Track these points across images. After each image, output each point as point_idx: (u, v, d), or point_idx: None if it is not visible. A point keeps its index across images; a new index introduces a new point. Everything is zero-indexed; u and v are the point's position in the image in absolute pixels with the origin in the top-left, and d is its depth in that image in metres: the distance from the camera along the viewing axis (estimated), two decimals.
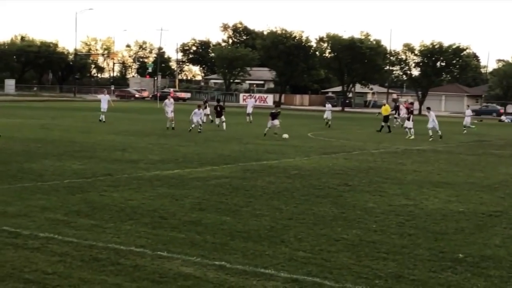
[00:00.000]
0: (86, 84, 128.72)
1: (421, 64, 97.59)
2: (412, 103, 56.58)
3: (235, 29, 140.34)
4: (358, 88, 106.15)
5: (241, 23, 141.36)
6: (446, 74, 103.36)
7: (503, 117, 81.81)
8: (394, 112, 50.00)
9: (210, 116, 44.10)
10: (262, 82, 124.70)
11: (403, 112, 48.34)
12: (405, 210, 14.07)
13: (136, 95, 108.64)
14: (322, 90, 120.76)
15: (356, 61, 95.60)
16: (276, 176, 18.78)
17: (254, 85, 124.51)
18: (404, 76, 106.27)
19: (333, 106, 58.43)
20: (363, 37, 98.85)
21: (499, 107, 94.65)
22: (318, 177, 19.01)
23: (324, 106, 54.94)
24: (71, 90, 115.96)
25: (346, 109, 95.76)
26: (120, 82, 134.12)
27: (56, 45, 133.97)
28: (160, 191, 15.42)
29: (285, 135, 32.90)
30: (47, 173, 17.86)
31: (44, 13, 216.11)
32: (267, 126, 34.98)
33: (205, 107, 42.97)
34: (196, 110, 36.59)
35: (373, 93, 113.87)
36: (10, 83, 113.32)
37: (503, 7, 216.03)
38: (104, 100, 42.90)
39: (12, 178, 16.73)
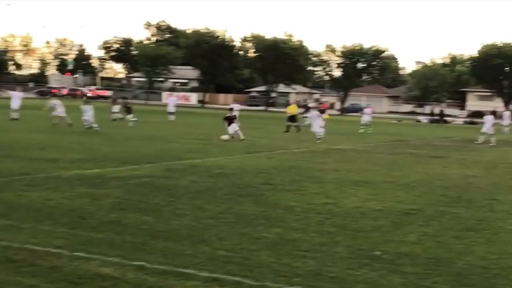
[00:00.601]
0: (4, 81, 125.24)
1: (342, 65, 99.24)
2: (321, 103, 57.30)
3: (159, 27, 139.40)
4: (282, 88, 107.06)
5: (164, 21, 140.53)
6: (366, 75, 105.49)
7: (421, 118, 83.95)
8: (303, 111, 51.13)
9: (120, 114, 43.68)
10: (186, 80, 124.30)
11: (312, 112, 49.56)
12: (325, 209, 14.27)
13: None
14: (246, 90, 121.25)
15: (280, 61, 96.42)
16: (199, 175, 18.74)
17: (178, 84, 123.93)
18: (326, 77, 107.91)
19: (256, 106, 58.68)
20: (286, 38, 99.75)
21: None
22: (241, 176, 19.07)
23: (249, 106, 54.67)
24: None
25: (270, 108, 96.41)
26: (40, 79, 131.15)
27: None
28: (79, 191, 15.16)
29: (224, 137, 31.80)
30: None
31: None
32: (228, 132, 32.66)
33: (116, 104, 42.75)
34: (83, 106, 35.40)
35: (296, 93, 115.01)
36: None
37: (422, 11, 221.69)
38: (16, 98, 41.72)
39: None
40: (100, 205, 13.55)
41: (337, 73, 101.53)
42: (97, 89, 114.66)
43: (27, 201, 13.56)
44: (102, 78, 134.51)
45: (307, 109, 51.32)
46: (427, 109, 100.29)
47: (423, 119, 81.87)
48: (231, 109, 35.41)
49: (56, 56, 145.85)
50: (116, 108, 46.08)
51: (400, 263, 10.00)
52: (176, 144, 28.68)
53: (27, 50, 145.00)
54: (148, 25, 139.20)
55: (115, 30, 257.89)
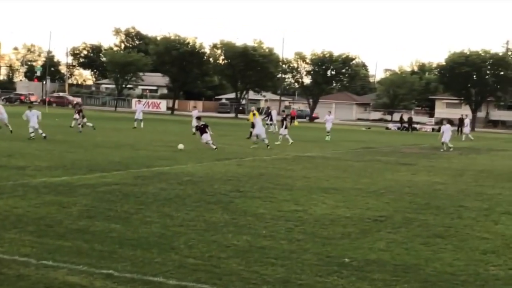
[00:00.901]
0: None
1: (312, 72, 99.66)
2: (283, 110, 57.24)
3: (128, 34, 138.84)
4: (252, 95, 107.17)
5: (133, 28, 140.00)
6: (336, 83, 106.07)
7: (390, 125, 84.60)
8: (266, 118, 51.59)
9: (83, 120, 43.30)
10: (155, 87, 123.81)
11: (274, 118, 50.36)
12: (294, 216, 14.30)
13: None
14: (216, 97, 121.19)
15: (249, 68, 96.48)
16: (168, 183, 18.67)
17: (147, 91, 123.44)
18: (296, 84, 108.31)
19: (226, 113, 58.57)
20: (256, 45, 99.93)
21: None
22: (210, 183, 19.03)
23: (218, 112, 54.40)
24: None
25: (240, 115, 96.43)
26: (7, 85, 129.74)
27: None
28: (47, 199, 15.00)
29: (180, 146, 30.51)
30: None
31: None
32: (202, 141, 31.80)
33: (79, 111, 42.20)
34: (28, 111, 34.09)
35: (266, 100, 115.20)
36: None
37: (391, 18, 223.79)
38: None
39: None
40: (68, 213, 13.42)
41: (307, 80, 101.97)
42: (65, 95, 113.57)
43: None
44: (71, 85, 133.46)
45: (270, 115, 51.96)
46: (396, 116, 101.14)
47: (392, 126, 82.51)
48: (199, 118, 35.05)
49: (24, 62, 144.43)
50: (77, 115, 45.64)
51: (369, 270, 10.04)
52: (144, 151, 28.54)
53: None
54: (117, 32, 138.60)
55: (84, 37, 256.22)
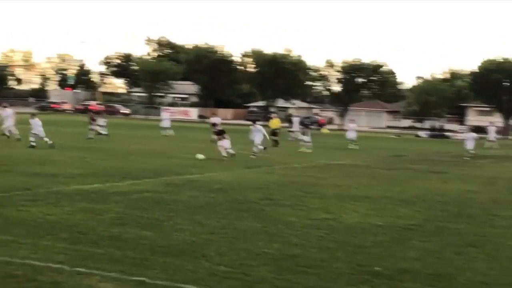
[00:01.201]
0: (5, 96, 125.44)
1: (341, 80, 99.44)
2: (307, 117, 56.74)
3: (159, 43, 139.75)
4: (281, 102, 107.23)
5: (165, 37, 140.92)
6: (365, 90, 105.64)
7: (420, 132, 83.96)
8: (288, 125, 51.85)
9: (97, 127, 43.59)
10: (185, 95, 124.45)
11: (296, 125, 50.46)
12: (325, 224, 14.28)
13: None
14: (245, 104, 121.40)
15: (279, 76, 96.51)
16: (198, 190, 18.76)
17: (178, 99, 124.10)
18: (325, 92, 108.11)
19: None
20: (285, 53, 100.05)
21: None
22: (241, 191, 19.08)
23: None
24: None
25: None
26: (40, 94, 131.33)
27: None
28: (79, 206, 15.17)
29: (200, 156, 29.33)
30: None
31: None
32: (223, 148, 30.05)
33: (94, 120, 42.46)
34: (31, 119, 33.44)
35: (295, 108, 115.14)
36: None
37: (422, 25, 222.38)
38: (8, 114, 40.81)
39: None
40: (100, 220, 13.56)
41: (337, 88, 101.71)
42: (98, 104, 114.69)
43: (27, 216, 13.58)
44: (103, 93, 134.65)
45: (291, 123, 52.25)
46: (426, 124, 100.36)
47: (423, 134, 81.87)
48: (214, 125, 34.28)
49: (57, 71, 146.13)
50: (102, 122, 46.10)
51: (401, 279, 10.00)
52: (175, 159, 28.69)
53: (28, 65, 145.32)
54: (149, 41, 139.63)
55: (116, 46, 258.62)
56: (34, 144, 31.70)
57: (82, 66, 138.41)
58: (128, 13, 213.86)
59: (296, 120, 53.47)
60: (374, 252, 11.73)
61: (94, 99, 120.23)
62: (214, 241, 12.05)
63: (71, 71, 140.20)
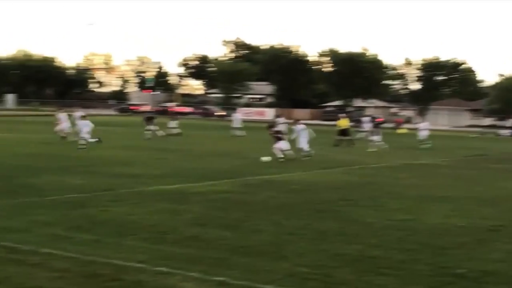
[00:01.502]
0: (87, 99, 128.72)
1: (421, 78, 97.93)
2: (375, 117, 55.52)
3: (236, 44, 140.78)
4: (358, 102, 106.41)
5: (240, 38, 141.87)
6: (445, 88, 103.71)
7: (501, 131, 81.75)
8: (355, 125, 51.37)
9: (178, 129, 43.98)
10: (262, 96, 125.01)
11: (366, 125, 49.87)
12: (405, 225, 14.07)
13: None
14: (322, 104, 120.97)
15: (355, 75, 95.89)
16: (276, 191, 18.79)
17: (254, 99, 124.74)
18: (404, 90, 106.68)
19: (331, 120, 57.83)
20: (362, 52, 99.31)
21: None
22: (319, 191, 19.02)
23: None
24: (71, 105, 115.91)
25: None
26: (120, 96, 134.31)
27: (56, 60, 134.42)
28: (160, 206, 15.42)
29: (265, 158, 28.18)
30: (47, 188, 17.85)
31: (45, 28, 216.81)
32: (279, 149, 28.89)
33: (151, 122, 42.92)
34: (81, 121, 33.46)
35: (374, 107, 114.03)
36: (10, 98, 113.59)
37: (502, 23, 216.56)
38: (64, 118, 40.61)
39: (13, 193, 16.72)
40: (181, 220, 13.75)
41: (415, 86, 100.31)
42: (177, 105, 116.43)
43: (110, 216, 13.90)
44: (181, 95, 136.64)
45: (360, 122, 51.74)
46: (509, 122, 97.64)
47: (505, 132, 79.68)
48: (270, 126, 31.95)
49: (136, 73, 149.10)
50: (174, 123, 46.69)
51: (485, 281, 9.76)
52: (252, 160, 28.79)
53: (108, 68, 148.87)
54: (226, 42, 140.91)
55: (193, 48, 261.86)
56: (84, 147, 31.67)
57: (160, 68, 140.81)
58: (205, 15, 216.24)
59: (365, 119, 53.01)
60: (457, 254, 11.48)
61: (172, 101, 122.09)
62: (293, 241, 12.04)
63: (150, 73, 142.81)
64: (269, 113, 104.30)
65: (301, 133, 31.83)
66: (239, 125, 50.39)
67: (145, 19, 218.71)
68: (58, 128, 38.86)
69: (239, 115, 53.88)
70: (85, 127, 33.00)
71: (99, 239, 11.65)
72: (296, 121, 34.26)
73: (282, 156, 28.59)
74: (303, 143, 31.30)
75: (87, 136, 32.89)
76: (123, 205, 15.34)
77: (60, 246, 10.93)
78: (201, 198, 16.86)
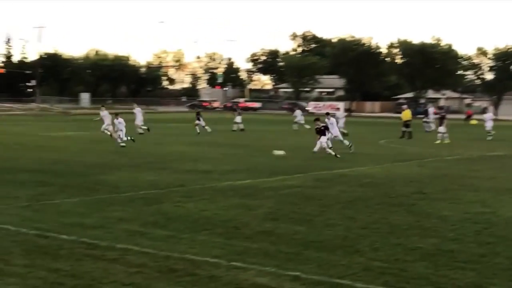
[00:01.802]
0: (158, 96, 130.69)
1: (494, 68, 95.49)
2: (441, 108, 54.07)
3: (304, 38, 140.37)
4: (430, 93, 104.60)
5: (309, 32, 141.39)
6: None
7: None
8: (423, 116, 51.61)
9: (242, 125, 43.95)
10: (332, 89, 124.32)
11: (431, 116, 49.21)
12: (482, 218, 13.75)
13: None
14: (393, 97, 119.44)
15: (428, 66, 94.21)
16: (348, 185, 18.65)
17: (324, 93, 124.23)
18: (477, 81, 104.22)
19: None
20: (434, 42, 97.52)
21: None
22: (392, 185, 18.78)
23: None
24: (143, 102, 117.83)
25: (419, 116, 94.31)
26: (192, 93, 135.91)
27: (128, 58, 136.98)
28: (233, 201, 15.51)
29: (278, 152, 27.64)
30: (122, 184, 18.19)
31: (116, 27, 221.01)
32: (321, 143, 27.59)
33: (198, 119, 42.95)
34: (115, 120, 32.69)
35: (445, 99, 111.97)
36: (85, 97, 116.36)
37: None
38: (139, 113, 42.29)
39: (89, 190, 17.11)
40: (253, 215, 13.79)
41: (489, 76, 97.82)
42: (246, 101, 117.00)
43: (184, 212, 14.05)
44: (250, 90, 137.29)
45: (427, 113, 51.10)
46: None
47: None
48: (317, 119, 29.07)
49: (206, 70, 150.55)
50: (239, 118, 46.89)
51: None
52: (323, 154, 28.62)
53: (179, 65, 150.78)
54: (294, 36, 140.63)
55: (262, 42, 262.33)
56: (124, 144, 31.22)
57: (230, 64, 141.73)
58: (273, 9, 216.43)
59: (431, 110, 52.18)
60: None
61: (242, 96, 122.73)
62: (367, 236, 11.92)
63: (220, 70, 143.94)
64: (340, 107, 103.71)
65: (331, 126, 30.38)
66: (301, 121, 50.27)
67: (215, 16, 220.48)
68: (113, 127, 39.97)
69: (300, 111, 53.71)
70: (121, 125, 32.13)
71: (173, 234, 11.79)
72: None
73: (316, 150, 27.30)
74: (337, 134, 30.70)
75: (121, 134, 31.95)
76: (196, 201, 15.48)
77: (136, 242, 11.12)
78: (273, 193, 16.88)
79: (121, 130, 31.80)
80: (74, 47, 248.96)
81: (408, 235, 12.00)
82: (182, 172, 21.30)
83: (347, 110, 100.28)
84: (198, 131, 41.51)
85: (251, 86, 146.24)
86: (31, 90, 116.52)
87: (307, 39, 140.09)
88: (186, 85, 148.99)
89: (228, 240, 11.38)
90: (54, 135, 40.25)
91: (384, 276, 9.27)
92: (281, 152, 27.71)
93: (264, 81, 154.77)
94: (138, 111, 42.06)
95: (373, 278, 9.20)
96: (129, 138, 32.30)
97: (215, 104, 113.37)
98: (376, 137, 42.00)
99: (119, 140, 31.59)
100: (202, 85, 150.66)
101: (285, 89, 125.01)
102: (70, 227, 12.32)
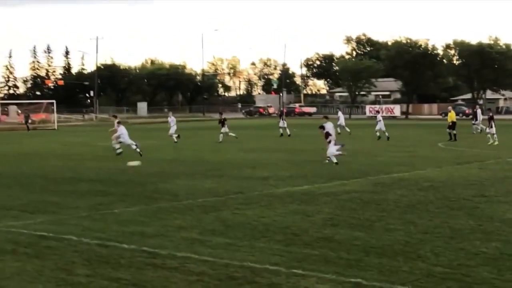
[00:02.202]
0: (214, 103, 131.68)
1: None
2: (489, 109, 52.29)
3: (359, 41, 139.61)
4: (489, 94, 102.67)
5: (364, 35, 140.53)
6: None
7: None
8: (472, 118, 50.34)
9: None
10: (388, 93, 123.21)
11: (479, 117, 48.47)
12: None
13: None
14: (451, 98, 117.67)
15: (485, 66, 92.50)
16: (407, 189, 18.40)
17: (380, 96, 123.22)
18: None
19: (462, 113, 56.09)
20: (492, 42, 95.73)
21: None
22: (452, 188, 18.46)
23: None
24: (200, 110, 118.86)
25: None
26: (247, 99, 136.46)
27: (184, 67, 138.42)
28: (291, 208, 15.47)
29: (132, 163, 26.27)
30: (180, 192, 18.33)
31: (172, 37, 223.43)
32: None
33: (223, 125, 42.40)
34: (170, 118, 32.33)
35: (505, 99, 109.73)
36: (142, 106, 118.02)
37: None
38: (173, 122, 41.98)
39: (148, 198, 17.30)
40: (312, 222, 13.72)
41: None
42: (301, 106, 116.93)
43: (243, 219, 14.06)
44: (305, 95, 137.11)
45: (476, 115, 50.22)
46: None
47: None
48: (321, 127, 27.54)
49: (261, 76, 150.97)
50: (282, 123, 46.79)
51: None
52: (381, 158, 28.39)
53: (234, 72, 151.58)
54: (348, 40, 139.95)
55: (316, 47, 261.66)
56: (120, 150, 30.77)
57: (285, 70, 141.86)
58: (326, 13, 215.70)
59: (479, 112, 51.23)
60: None
61: (298, 102, 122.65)
62: (428, 241, 11.73)
63: (275, 75, 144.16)
64: (396, 110, 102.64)
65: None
66: (343, 123, 50.20)
67: (268, 21, 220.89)
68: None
69: (342, 115, 53.38)
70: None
71: (232, 242, 11.81)
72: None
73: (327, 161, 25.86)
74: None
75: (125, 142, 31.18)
76: (254, 208, 15.50)
77: (196, 250, 11.17)
78: (331, 199, 16.78)
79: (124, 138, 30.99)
80: (130, 57, 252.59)
81: (470, 239, 11.77)
82: (240, 178, 21.36)
83: (403, 113, 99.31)
84: (220, 140, 40.94)
85: (306, 91, 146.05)
86: (90, 101, 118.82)
87: (361, 42, 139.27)
88: (241, 92, 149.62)
89: (287, 247, 11.34)
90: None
91: (447, 282, 9.10)
92: (135, 163, 26.33)
93: (319, 85, 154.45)
94: (171, 121, 42.18)
95: (435, 284, 9.04)
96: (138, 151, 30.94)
97: (271, 110, 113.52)
98: (434, 139, 41.38)
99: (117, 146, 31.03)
100: (258, 91, 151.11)
101: (341, 93, 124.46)
102: (130, 236, 12.47)
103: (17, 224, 13.85)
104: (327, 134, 26.82)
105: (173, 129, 41.71)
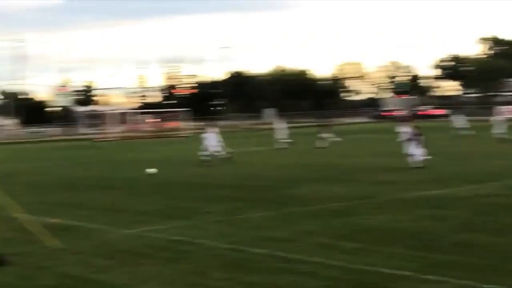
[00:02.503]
0: (342, 108, 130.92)
1: None
2: None
3: (494, 41, 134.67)
4: None
5: (496, 34, 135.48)
6: None
7: None
8: None
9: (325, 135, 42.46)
10: None
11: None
12: None
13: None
14: None
15: None
16: None
17: None
18: None
19: None
20: None
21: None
22: None
23: None
24: (327, 115, 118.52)
25: None
26: (374, 103, 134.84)
27: (309, 72, 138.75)
28: (424, 212, 15.12)
29: (150, 170, 26.74)
30: (310, 197, 18.36)
31: (297, 42, 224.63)
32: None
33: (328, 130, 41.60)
34: (206, 134, 32.17)
35: None
36: (270, 112, 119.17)
37: None
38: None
39: (279, 204, 17.43)
40: (446, 227, 13.35)
41: None
42: (433, 108, 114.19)
43: (374, 224, 13.89)
44: (435, 97, 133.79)
45: None
46: None
47: None
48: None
49: (389, 79, 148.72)
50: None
51: None
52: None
53: (360, 75, 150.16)
54: (482, 40, 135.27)
55: (446, 48, 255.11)
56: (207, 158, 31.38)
57: (413, 72, 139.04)
58: (457, 13, 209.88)
59: None
60: None
61: (428, 104, 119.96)
62: None
63: (403, 78, 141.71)
64: None
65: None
66: (464, 125, 48.83)
67: (392, 24, 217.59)
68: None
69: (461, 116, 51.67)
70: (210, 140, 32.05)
71: (364, 247, 11.67)
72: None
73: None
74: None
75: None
76: (385, 213, 15.27)
77: (327, 255, 11.12)
78: (465, 203, 16.26)
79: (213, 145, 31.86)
80: (259, 64, 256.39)
81: None
82: (368, 183, 21.14)
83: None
84: (319, 145, 40.48)
85: (436, 93, 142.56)
86: (220, 108, 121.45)
87: (497, 42, 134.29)
88: (368, 95, 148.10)
89: (420, 252, 11.07)
90: (244, 150, 41.20)
91: None
92: (152, 170, 26.60)
93: (449, 87, 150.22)
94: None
95: None
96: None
97: (399, 113, 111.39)
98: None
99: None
100: (385, 94, 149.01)
101: (472, 94, 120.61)
102: (262, 240, 12.60)
103: (153, 229, 14.35)
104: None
105: (282, 133, 42.36)
